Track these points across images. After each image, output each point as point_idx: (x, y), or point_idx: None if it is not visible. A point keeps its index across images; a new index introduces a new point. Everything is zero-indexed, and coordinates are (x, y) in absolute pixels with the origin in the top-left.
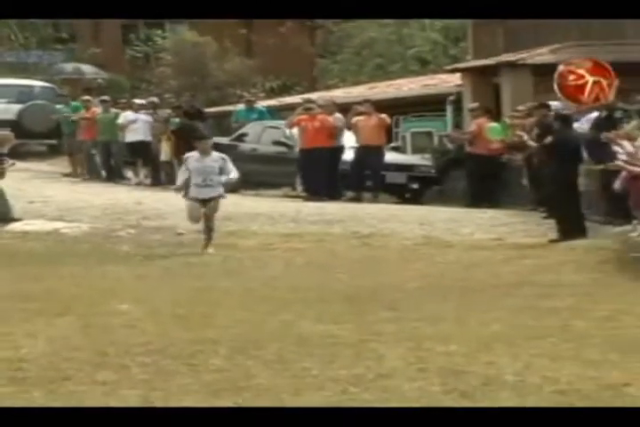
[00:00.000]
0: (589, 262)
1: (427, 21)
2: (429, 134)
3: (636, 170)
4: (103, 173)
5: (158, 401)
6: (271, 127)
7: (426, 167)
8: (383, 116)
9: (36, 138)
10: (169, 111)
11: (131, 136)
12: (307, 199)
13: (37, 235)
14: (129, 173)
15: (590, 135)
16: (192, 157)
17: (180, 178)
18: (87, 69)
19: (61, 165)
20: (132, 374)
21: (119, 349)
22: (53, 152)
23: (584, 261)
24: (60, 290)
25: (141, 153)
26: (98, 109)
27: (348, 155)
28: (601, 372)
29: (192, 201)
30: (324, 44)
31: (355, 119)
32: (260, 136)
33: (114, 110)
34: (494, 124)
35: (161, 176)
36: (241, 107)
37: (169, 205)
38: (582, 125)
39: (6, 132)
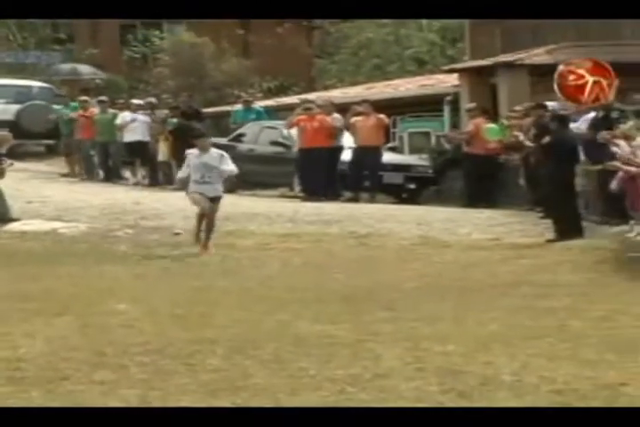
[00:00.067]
0: (586, 262)
1: (424, 22)
2: (427, 134)
3: (633, 170)
4: (101, 173)
5: (156, 401)
6: (269, 127)
7: (423, 167)
8: (381, 116)
9: (34, 138)
10: (166, 111)
11: (129, 136)
12: (304, 199)
13: (35, 235)
14: (127, 174)
15: (587, 135)
16: (192, 153)
17: (180, 175)
18: (85, 70)
19: (59, 165)
20: (130, 374)
21: (117, 348)
22: (51, 152)
23: (581, 261)
24: (58, 290)
25: (139, 153)
26: (95, 110)
27: (346, 155)
28: (598, 372)
29: (195, 193)
30: (322, 45)
31: (353, 119)
32: (258, 136)
33: (111, 111)
34: (492, 125)
35: (159, 176)
36: (239, 107)
37: (167, 205)
38: (580, 126)
39: (4, 133)
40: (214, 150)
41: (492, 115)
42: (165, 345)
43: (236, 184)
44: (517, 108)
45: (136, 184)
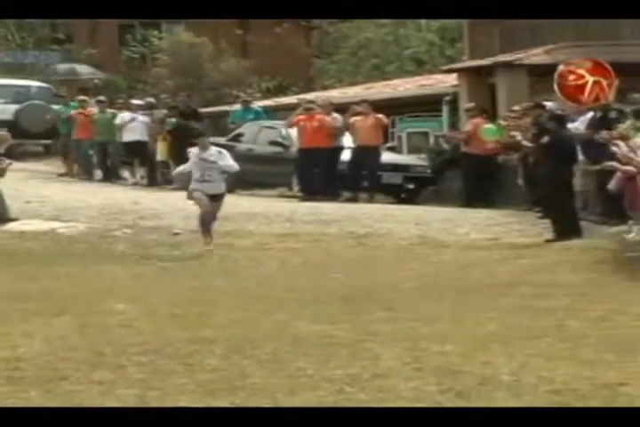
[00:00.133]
0: (585, 262)
1: (423, 22)
2: (425, 134)
3: (631, 170)
4: (99, 173)
5: (155, 401)
6: (267, 127)
7: (422, 167)
8: (380, 116)
9: (32, 138)
10: (165, 111)
11: (128, 136)
12: (303, 199)
13: (34, 235)
14: (125, 173)
15: (586, 135)
16: (193, 152)
17: (178, 169)
18: (83, 70)
19: (58, 165)
20: (128, 374)
21: (116, 348)
22: (50, 152)
23: (579, 261)
24: (56, 290)
25: (138, 153)
26: (94, 109)
27: (345, 155)
28: (596, 372)
29: (197, 192)
30: (321, 45)
31: (352, 119)
32: (257, 136)
33: (110, 110)
34: (489, 126)
35: (157, 176)
36: (237, 107)
37: (166, 205)
38: (578, 126)
39: (3, 133)
40: (213, 148)
41: (491, 115)
42: (164, 345)
43: (234, 184)
44: (516, 107)
45: (135, 184)
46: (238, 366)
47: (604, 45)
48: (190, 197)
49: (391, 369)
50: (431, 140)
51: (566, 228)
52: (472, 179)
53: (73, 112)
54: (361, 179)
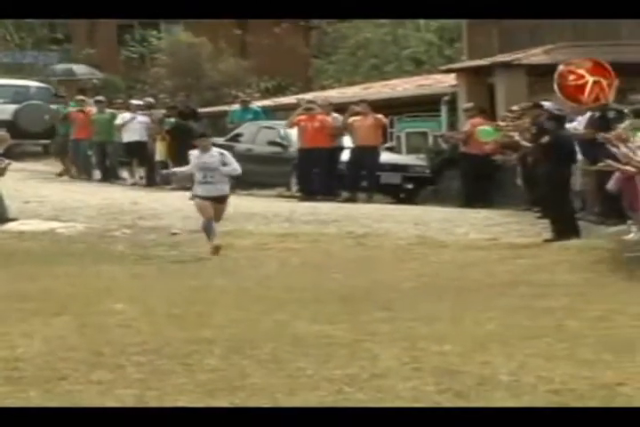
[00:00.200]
0: (583, 262)
1: (422, 22)
2: (424, 134)
3: (630, 170)
4: (98, 173)
5: (153, 401)
6: (266, 127)
7: (420, 167)
8: (379, 116)
9: (31, 138)
10: (164, 111)
11: (128, 136)
12: (301, 199)
13: (33, 235)
14: (124, 174)
15: (584, 135)
16: (193, 154)
17: (177, 169)
18: (81, 70)
19: (56, 165)
20: (127, 374)
21: (115, 348)
22: (49, 152)
23: (578, 260)
24: (55, 290)
25: (138, 153)
26: (93, 109)
27: (344, 155)
28: (595, 371)
29: (199, 199)
30: (319, 45)
31: (351, 119)
32: (255, 136)
33: (109, 111)
34: (484, 127)
35: (156, 176)
36: (236, 107)
37: (164, 205)
38: (577, 126)
39: (2, 133)
40: (215, 150)
41: (490, 115)
42: (163, 345)
43: (233, 184)
44: (514, 108)
45: (134, 184)
46: (237, 366)
47: (602, 45)
48: (195, 204)
49: (390, 369)
50: (430, 140)
51: (565, 228)
52: (471, 179)
53: (71, 109)
54: (360, 179)
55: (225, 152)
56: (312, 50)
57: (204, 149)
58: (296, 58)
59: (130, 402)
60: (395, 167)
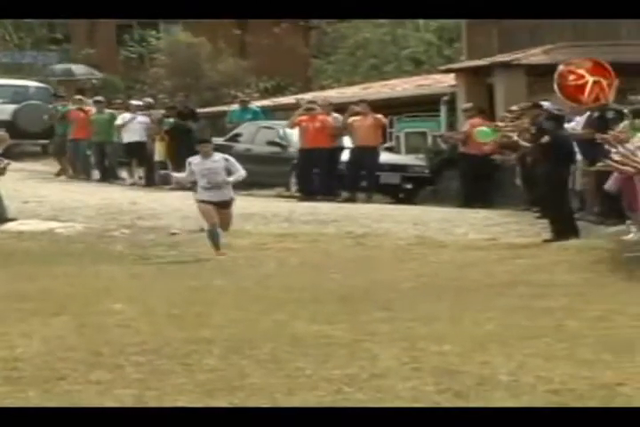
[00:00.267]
0: (582, 262)
1: (421, 22)
2: (423, 134)
3: (629, 171)
4: (97, 173)
5: (152, 401)
6: (265, 127)
7: (419, 167)
8: (379, 116)
9: (30, 138)
10: (163, 111)
11: (128, 137)
12: (301, 199)
13: (32, 235)
14: (123, 174)
15: (583, 136)
16: (194, 161)
17: (179, 175)
18: (79, 70)
19: (55, 165)
20: (126, 374)
21: (113, 348)
22: (47, 152)
23: (577, 261)
24: (54, 290)
25: (137, 154)
26: (92, 110)
27: (344, 155)
28: (594, 372)
29: (203, 203)
30: (319, 45)
31: (350, 119)
32: (255, 136)
33: (108, 111)
34: (482, 128)
35: (155, 176)
36: (235, 107)
37: (163, 205)
38: (575, 126)
39: (1, 133)
40: (217, 155)
41: (489, 115)
42: (162, 345)
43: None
44: (514, 108)
45: (133, 184)
46: (237, 366)
47: (602, 45)
48: (199, 210)
49: (389, 369)
50: (429, 140)
51: (564, 228)
52: (470, 179)
53: (71, 107)
54: (359, 179)
55: (229, 157)
56: (311, 50)
57: (206, 155)
58: (295, 58)
59: (129, 402)
60: (394, 167)
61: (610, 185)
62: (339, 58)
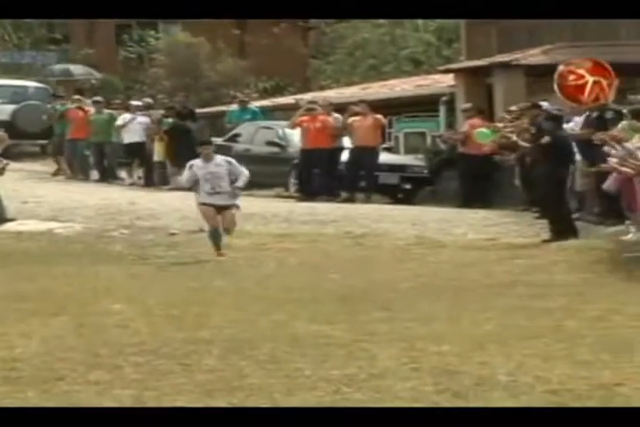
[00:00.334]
0: (582, 263)
1: (420, 22)
2: (422, 135)
3: (628, 172)
4: (95, 173)
5: (151, 401)
6: (264, 128)
7: (418, 168)
8: (379, 116)
9: (29, 138)
10: (162, 112)
11: (129, 137)
12: (300, 199)
13: (31, 235)
14: (123, 174)
15: (582, 136)
16: (195, 163)
17: (185, 177)
18: (78, 70)
19: (54, 165)
20: (125, 374)
21: (112, 349)
22: (46, 152)
23: (576, 261)
24: (53, 290)
25: (138, 154)
26: (91, 110)
27: (343, 155)
28: (593, 372)
29: (204, 206)
30: (317, 45)
31: (350, 120)
32: (254, 136)
33: (107, 111)
34: (481, 129)
35: (154, 176)
36: (234, 107)
37: (162, 205)
38: (575, 126)
39: (0, 133)
40: (220, 158)
41: (488, 115)
42: (161, 345)
43: None
44: (513, 108)
45: (132, 184)
46: (236, 367)
47: (601, 46)
48: (200, 212)
49: (388, 369)
50: (428, 140)
51: (563, 228)
52: (469, 179)
53: (70, 106)
54: (358, 179)
55: (232, 160)
56: (310, 50)
57: (207, 158)
58: (294, 58)
59: (128, 402)
60: (393, 167)
61: (608, 185)
62: (337, 58)
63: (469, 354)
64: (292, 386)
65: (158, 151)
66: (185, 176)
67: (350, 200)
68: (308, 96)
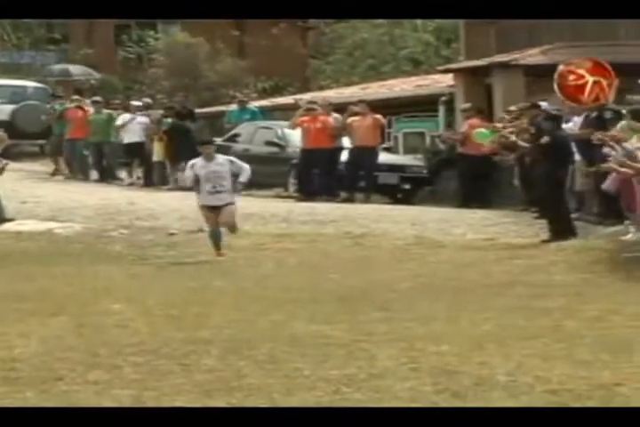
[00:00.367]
0: (581, 263)
1: (419, 22)
2: (422, 135)
3: (628, 172)
4: (95, 173)
5: (150, 401)
6: (263, 128)
7: (418, 168)
8: (378, 116)
9: (29, 138)
10: (161, 112)
11: (128, 137)
12: (299, 200)
13: (30, 235)
14: (122, 174)
15: (581, 136)
16: (197, 163)
17: (188, 177)
18: (77, 70)
19: (53, 165)
20: (124, 374)
21: (112, 349)
22: (45, 152)
23: (575, 261)
24: (53, 290)
25: (137, 154)
26: (90, 110)
27: (343, 155)
28: (592, 372)
29: (205, 209)
30: (317, 45)
31: (350, 120)
32: (253, 136)
33: (106, 111)
34: (480, 129)
35: (153, 177)
36: (233, 107)
37: (161, 205)
38: (574, 126)
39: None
40: (221, 157)
41: (487, 115)
42: (160, 345)
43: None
44: (512, 108)
45: (131, 184)
46: (235, 367)
47: (600, 46)
48: (201, 214)
49: (387, 369)
50: (427, 140)
51: (562, 228)
52: (468, 179)
53: (70, 106)
54: (358, 179)
55: (234, 159)
56: (309, 50)
57: (209, 157)
58: (293, 58)
59: (127, 402)
60: (392, 168)
61: (607, 185)
62: (337, 58)
63: (469, 354)
64: (291, 386)
65: (157, 151)
66: (186, 175)
67: (349, 200)
68: (307, 96)
